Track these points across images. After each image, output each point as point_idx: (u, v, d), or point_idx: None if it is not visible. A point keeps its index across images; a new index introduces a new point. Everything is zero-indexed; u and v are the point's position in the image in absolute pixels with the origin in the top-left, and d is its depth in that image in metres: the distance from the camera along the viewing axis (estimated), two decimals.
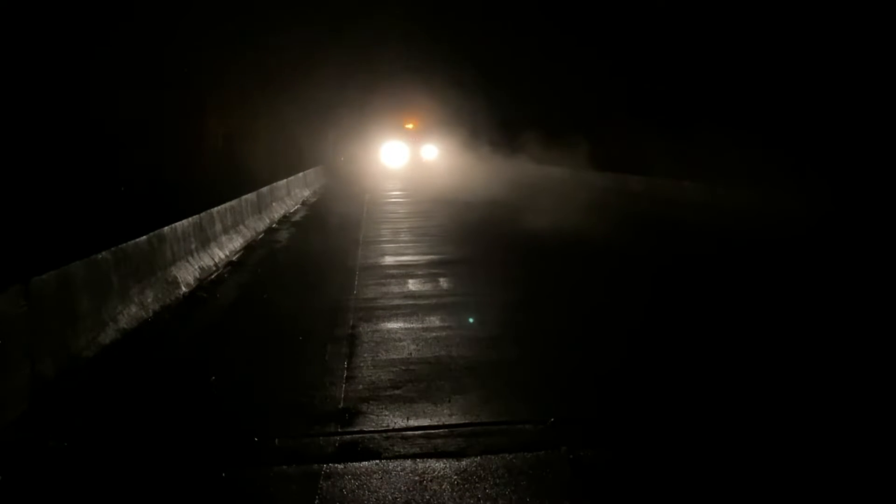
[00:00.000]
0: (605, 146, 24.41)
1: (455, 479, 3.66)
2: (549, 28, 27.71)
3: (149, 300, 7.10)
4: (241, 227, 12.11)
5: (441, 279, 8.80)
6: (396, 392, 4.90)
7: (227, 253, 10.51)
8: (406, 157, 41.86)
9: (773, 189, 15.33)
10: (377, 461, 3.88)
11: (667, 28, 20.92)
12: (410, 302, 7.59)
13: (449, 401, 4.71)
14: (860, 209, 13.20)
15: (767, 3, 17.07)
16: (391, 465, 3.84)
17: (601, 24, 24.00)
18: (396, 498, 3.49)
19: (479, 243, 11.92)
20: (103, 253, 6.34)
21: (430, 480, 3.65)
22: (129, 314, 6.57)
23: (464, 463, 3.84)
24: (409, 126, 43.78)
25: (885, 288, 8.10)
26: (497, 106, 34.03)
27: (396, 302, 7.60)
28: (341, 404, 4.70)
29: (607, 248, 11.23)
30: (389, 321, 6.81)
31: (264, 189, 15.10)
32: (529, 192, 22.46)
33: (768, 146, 15.32)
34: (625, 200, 19.54)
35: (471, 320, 6.81)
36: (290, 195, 19.03)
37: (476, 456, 3.90)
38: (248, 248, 11.65)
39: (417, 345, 6.00)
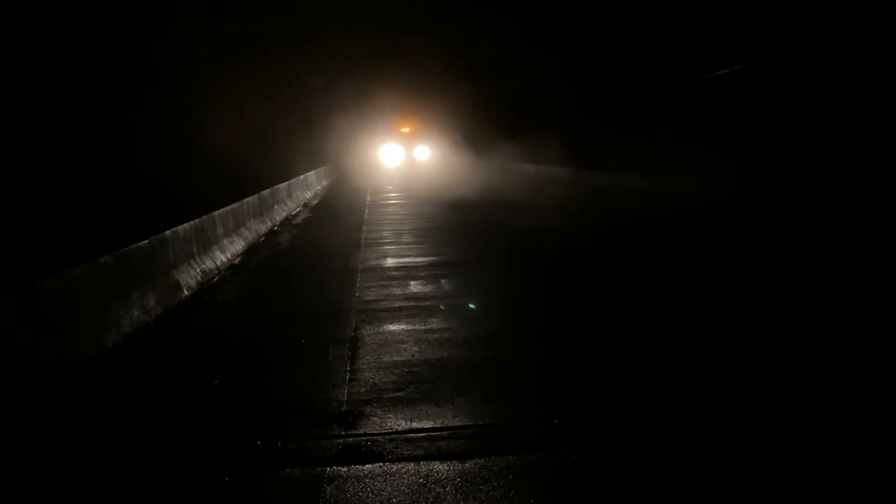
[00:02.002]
0: (581, 146, 25.83)
1: (458, 482, 3.65)
2: (519, 40, 29.57)
3: (151, 303, 7.10)
4: (243, 229, 12.12)
5: (442, 280, 8.80)
6: (399, 394, 4.90)
7: (229, 256, 10.51)
8: (402, 158, 45.08)
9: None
10: (381, 464, 3.88)
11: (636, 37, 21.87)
12: (412, 304, 7.59)
13: (452, 402, 4.71)
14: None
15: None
16: (395, 467, 3.83)
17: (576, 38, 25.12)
18: (400, 500, 3.48)
19: (478, 243, 11.91)
20: (105, 256, 6.34)
21: (434, 483, 3.65)
22: (132, 317, 6.58)
23: (467, 465, 3.83)
24: (405, 130, 45.89)
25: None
26: (483, 110, 37.41)
27: (398, 304, 7.60)
28: (344, 406, 4.70)
29: (599, 242, 11.25)
30: (391, 323, 6.81)
31: (266, 192, 15.09)
32: (515, 189, 22.92)
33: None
34: (608, 196, 19.58)
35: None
36: (292, 197, 19.03)
37: (479, 458, 3.90)
38: (250, 251, 11.66)
39: (420, 346, 6.00)
